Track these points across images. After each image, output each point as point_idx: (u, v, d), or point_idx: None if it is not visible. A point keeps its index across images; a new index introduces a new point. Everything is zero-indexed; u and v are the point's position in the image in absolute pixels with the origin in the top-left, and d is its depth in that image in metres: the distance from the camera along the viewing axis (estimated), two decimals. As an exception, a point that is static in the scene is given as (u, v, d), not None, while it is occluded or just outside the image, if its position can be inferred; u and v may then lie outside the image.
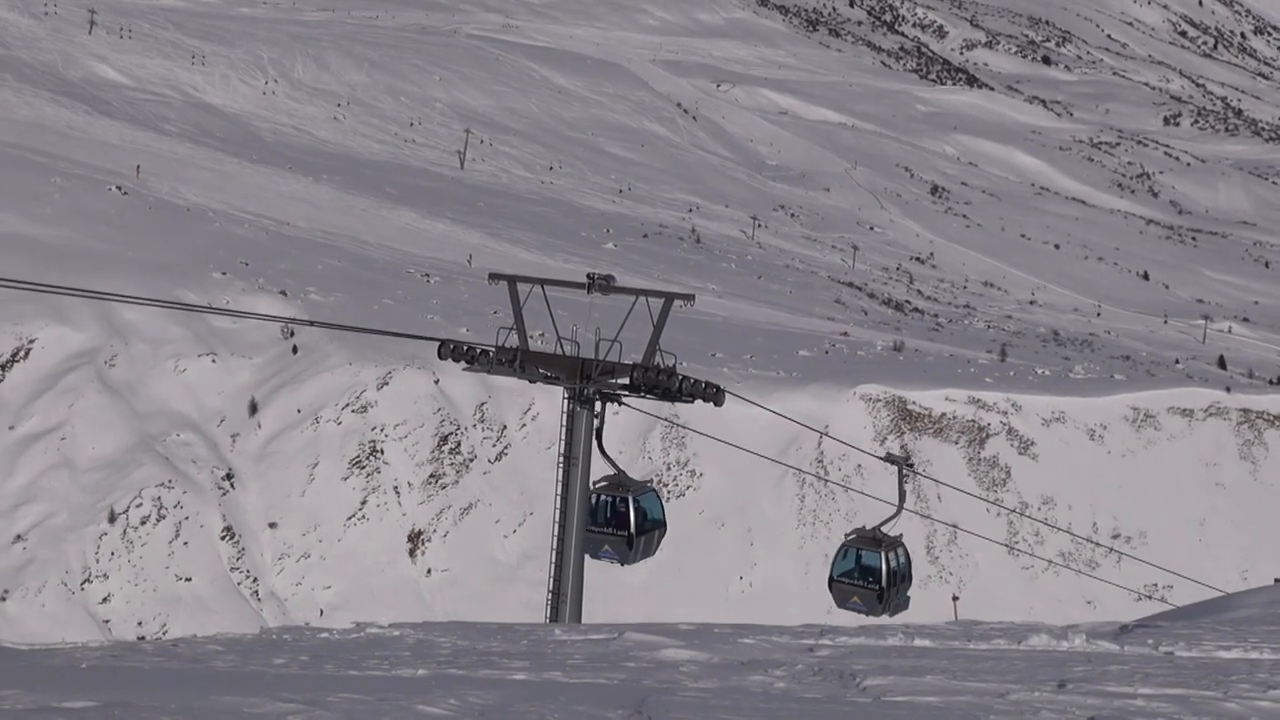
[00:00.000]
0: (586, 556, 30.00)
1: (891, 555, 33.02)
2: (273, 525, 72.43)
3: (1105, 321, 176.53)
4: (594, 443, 29.95)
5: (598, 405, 30.10)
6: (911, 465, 39.53)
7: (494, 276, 30.89)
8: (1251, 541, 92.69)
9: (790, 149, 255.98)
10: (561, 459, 29.62)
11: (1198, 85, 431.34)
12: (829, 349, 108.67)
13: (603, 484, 30.44)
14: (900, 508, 33.74)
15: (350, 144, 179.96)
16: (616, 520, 30.19)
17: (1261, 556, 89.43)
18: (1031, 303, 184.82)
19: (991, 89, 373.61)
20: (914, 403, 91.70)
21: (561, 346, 29.76)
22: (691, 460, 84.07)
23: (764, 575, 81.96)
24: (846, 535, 34.34)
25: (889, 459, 35.94)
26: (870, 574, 32.65)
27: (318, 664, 18.05)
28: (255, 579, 70.62)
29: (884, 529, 34.07)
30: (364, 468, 75.33)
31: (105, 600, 66.39)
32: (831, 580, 32.98)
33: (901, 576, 32.98)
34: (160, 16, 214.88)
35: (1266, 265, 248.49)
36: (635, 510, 30.13)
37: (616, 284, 29.83)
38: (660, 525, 31.18)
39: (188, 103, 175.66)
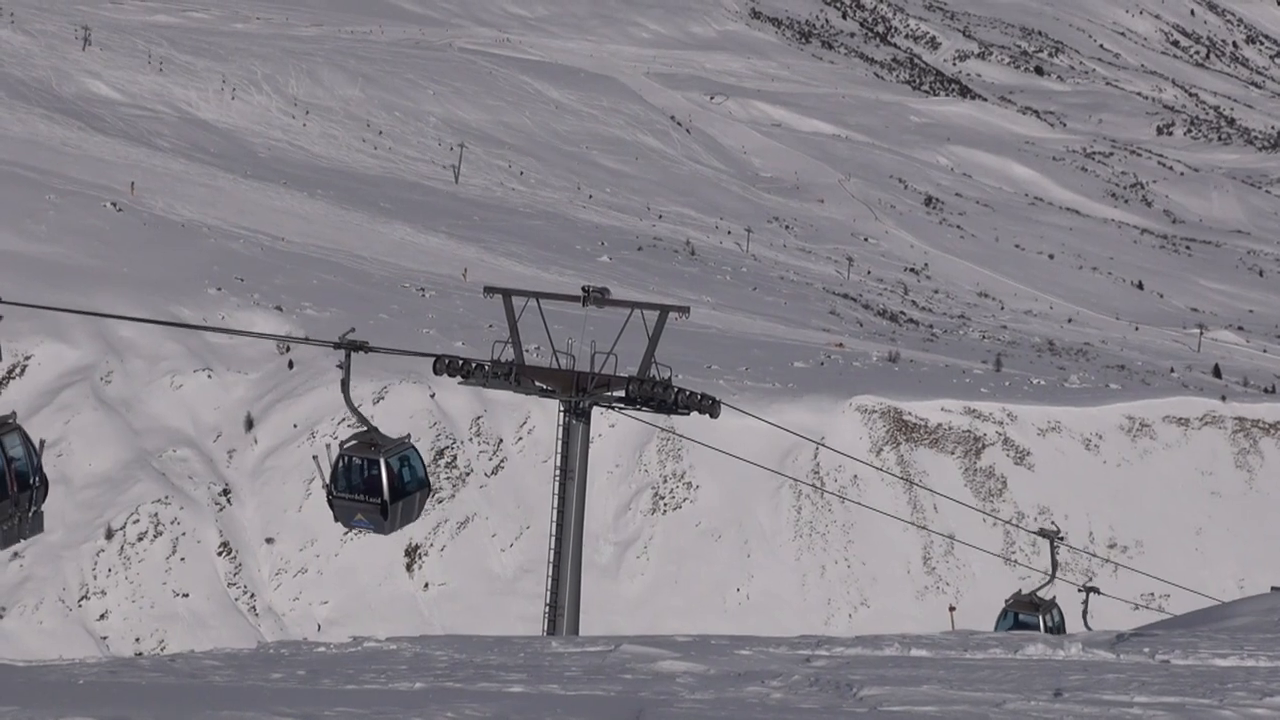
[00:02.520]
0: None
1: (1048, 617, 36.07)
2: (269, 540, 72.42)
3: (1100, 331, 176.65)
4: (344, 395, 27.04)
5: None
6: (1062, 538, 40.87)
7: (489, 290, 30.95)
8: (1248, 550, 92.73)
9: (784, 161, 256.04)
10: (558, 472, 29.61)
11: (1190, 95, 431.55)
12: (824, 360, 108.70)
13: (351, 444, 27.82)
14: (1053, 577, 36.90)
15: (344, 159, 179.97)
16: (368, 486, 27.26)
17: (1258, 565, 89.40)
18: (1027, 313, 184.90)
19: (985, 100, 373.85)
20: (910, 413, 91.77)
21: (557, 360, 29.80)
22: (688, 472, 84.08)
23: (761, 587, 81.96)
24: (1006, 601, 37.16)
25: (1041, 533, 38.70)
26: None
27: (315, 678, 18.08)
28: (252, 594, 70.61)
29: (1039, 594, 36.79)
30: (360, 482, 75.31)
31: (103, 617, 66.38)
32: None
33: (1058, 633, 35.24)
34: (153, 32, 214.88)
35: (1260, 274, 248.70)
36: (388, 473, 27.26)
37: (611, 297, 29.87)
38: (422, 486, 28.35)
39: (181, 118, 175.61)
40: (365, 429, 27.78)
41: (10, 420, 23.57)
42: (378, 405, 77.04)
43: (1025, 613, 37.10)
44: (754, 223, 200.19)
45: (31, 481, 23.26)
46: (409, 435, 27.65)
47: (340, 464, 27.30)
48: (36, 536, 24.40)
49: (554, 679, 17.72)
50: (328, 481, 27.30)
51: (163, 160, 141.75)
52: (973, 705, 15.50)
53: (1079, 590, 43.08)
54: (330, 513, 27.59)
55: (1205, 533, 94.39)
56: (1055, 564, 39.40)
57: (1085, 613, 43.03)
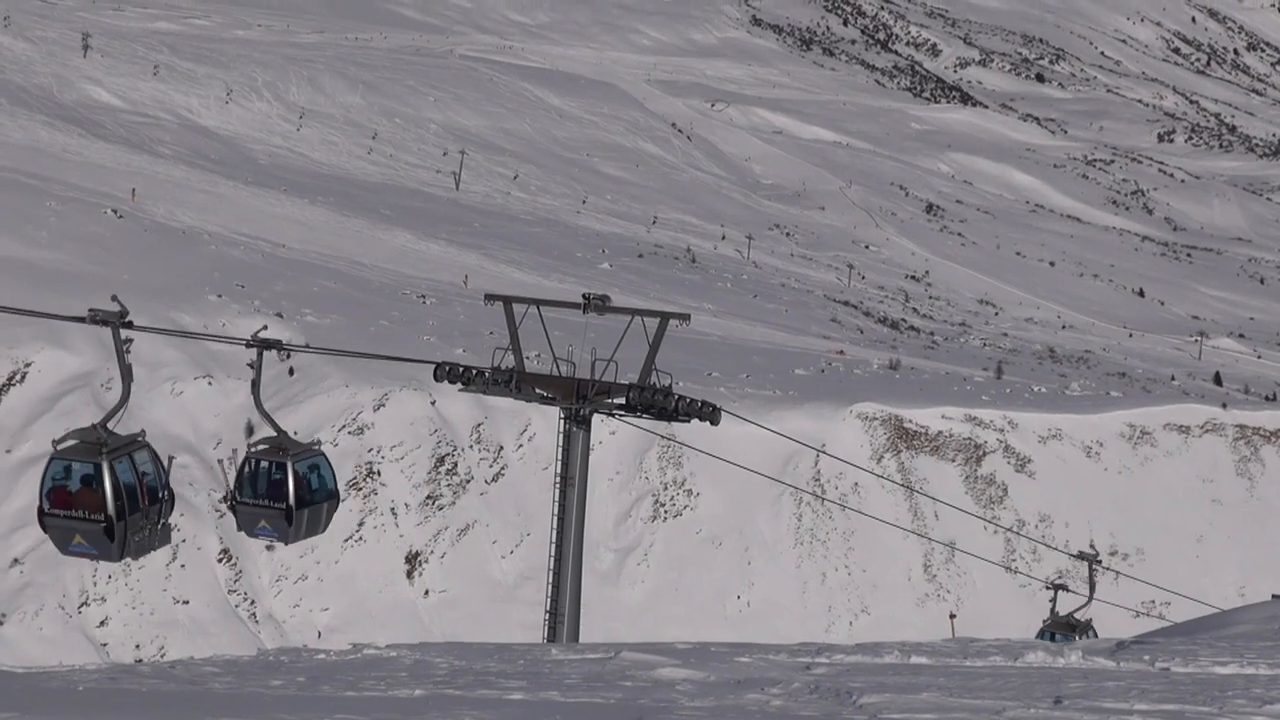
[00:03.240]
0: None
1: (1084, 638, 35.89)
2: (269, 547, 72.34)
3: (1100, 338, 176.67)
4: (255, 397, 25.72)
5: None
6: (1099, 561, 41.47)
7: (490, 297, 30.97)
8: (1249, 558, 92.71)
9: (785, 168, 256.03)
10: (558, 479, 29.59)
11: (1191, 102, 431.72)
12: (825, 368, 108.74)
13: (261, 447, 26.25)
14: (1090, 598, 37.43)
15: (345, 165, 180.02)
16: (272, 491, 25.74)
17: (1259, 573, 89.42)
18: (1027, 320, 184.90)
19: (985, 107, 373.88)
20: (910, 421, 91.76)
21: (558, 367, 29.78)
22: (689, 480, 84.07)
23: (761, 594, 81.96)
24: (1044, 621, 37.77)
25: (1081, 556, 39.42)
26: None
27: (315, 685, 18.09)
28: (253, 601, 70.59)
29: (1076, 615, 37.31)
30: (361, 489, 75.34)
31: (103, 623, 66.34)
32: None
33: None
34: (154, 39, 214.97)
35: (1262, 281, 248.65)
36: (295, 479, 25.71)
37: (612, 304, 29.87)
38: (330, 497, 26.59)
39: (182, 125, 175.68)
40: (275, 433, 26.06)
41: (140, 438, 24.16)
42: (378, 412, 77.09)
43: (1062, 633, 37.76)
44: (755, 230, 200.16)
45: (160, 495, 23.99)
46: (319, 442, 26.53)
47: (246, 468, 25.98)
48: (162, 547, 24.98)
49: (554, 686, 17.72)
50: (232, 487, 26.17)
51: (164, 167, 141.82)
52: (973, 713, 15.50)
53: (1046, 587, 43.38)
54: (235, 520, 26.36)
55: (1206, 540, 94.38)
56: (1093, 586, 40.32)
57: (1054, 610, 43.32)
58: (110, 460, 22.97)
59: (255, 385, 25.41)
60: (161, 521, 24.16)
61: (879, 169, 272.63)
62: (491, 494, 79.39)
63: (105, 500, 22.76)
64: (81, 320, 22.94)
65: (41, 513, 23.55)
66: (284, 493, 25.28)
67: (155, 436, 74.77)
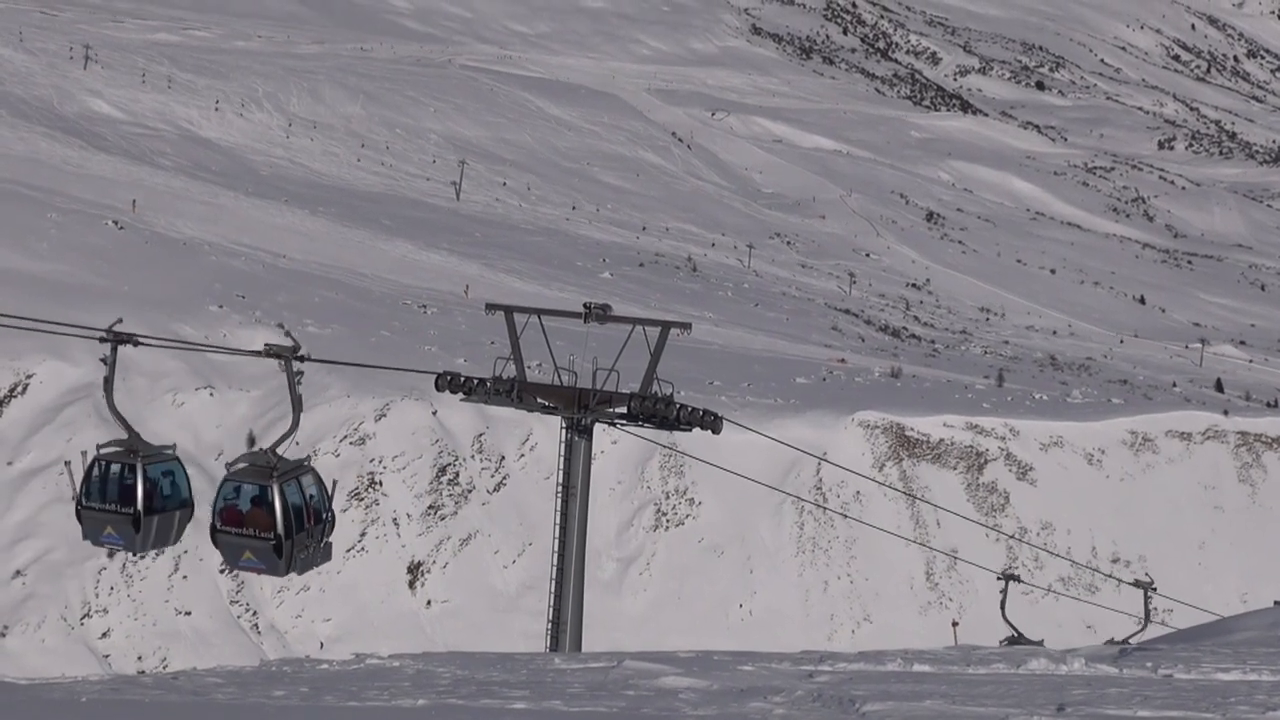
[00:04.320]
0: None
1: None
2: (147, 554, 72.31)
3: (1101, 345, 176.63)
4: (107, 395, 24.44)
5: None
6: (1155, 588, 41.94)
7: (491, 307, 30.95)
8: (1250, 564, 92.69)
9: (785, 176, 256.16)
10: (560, 489, 29.56)
11: (1192, 109, 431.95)
12: (826, 376, 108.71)
13: (111, 449, 24.78)
14: (1145, 625, 37.68)
15: (345, 176, 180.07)
16: (121, 495, 24.37)
17: (1261, 579, 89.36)
18: (1028, 328, 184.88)
19: (986, 115, 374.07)
20: (912, 429, 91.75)
21: (559, 376, 29.76)
22: (690, 488, 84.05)
23: (763, 603, 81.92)
24: (1105, 644, 38.34)
25: (1136, 584, 39.75)
26: None
27: (318, 695, 18.08)
28: (255, 612, 70.57)
29: (1131, 640, 37.46)
30: (363, 499, 75.33)
31: (105, 635, 66.32)
32: None
33: None
34: (155, 51, 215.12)
35: (1262, 288, 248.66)
36: (145, 481, 24.39)
37: (613, 313, 29.86)
38: (183, 505, 25.10)
39: (183, 137, 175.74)
40: (128, 435, 24.75)
41: (306, 464, 25.38)
42: (380, 422, 77.08)
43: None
44: (755, 239, 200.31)
45: (324, 516, 24.99)
46: (173, 446, 25.60)
47: (94, 471, 24.58)
48: (324, 563, 25.85)
49: (556, 695, 17.71)
50: (77, 491, 24.65)
51: (164, 178, 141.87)
52: (975, 720, 15.50)
53: (998, 579, 43.50)
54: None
55: (1208, 547, 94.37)
56: (1148, 613, 40.42)
57: (1004, 603, 43.44)
58: (280, 483, 24.33)
59: (108, 382, 24.36)
60: (324, 540, 25.18)
61: (879, 177, 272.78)
62: (493, 504, 79.37)
63: (275, 520, 24.07)
64: (259, 354, 24.94)
65: (214, 529, 24.55)
66: (132, 497, 24.17)
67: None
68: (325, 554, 25.35)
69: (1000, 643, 41.57)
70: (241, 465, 24.84)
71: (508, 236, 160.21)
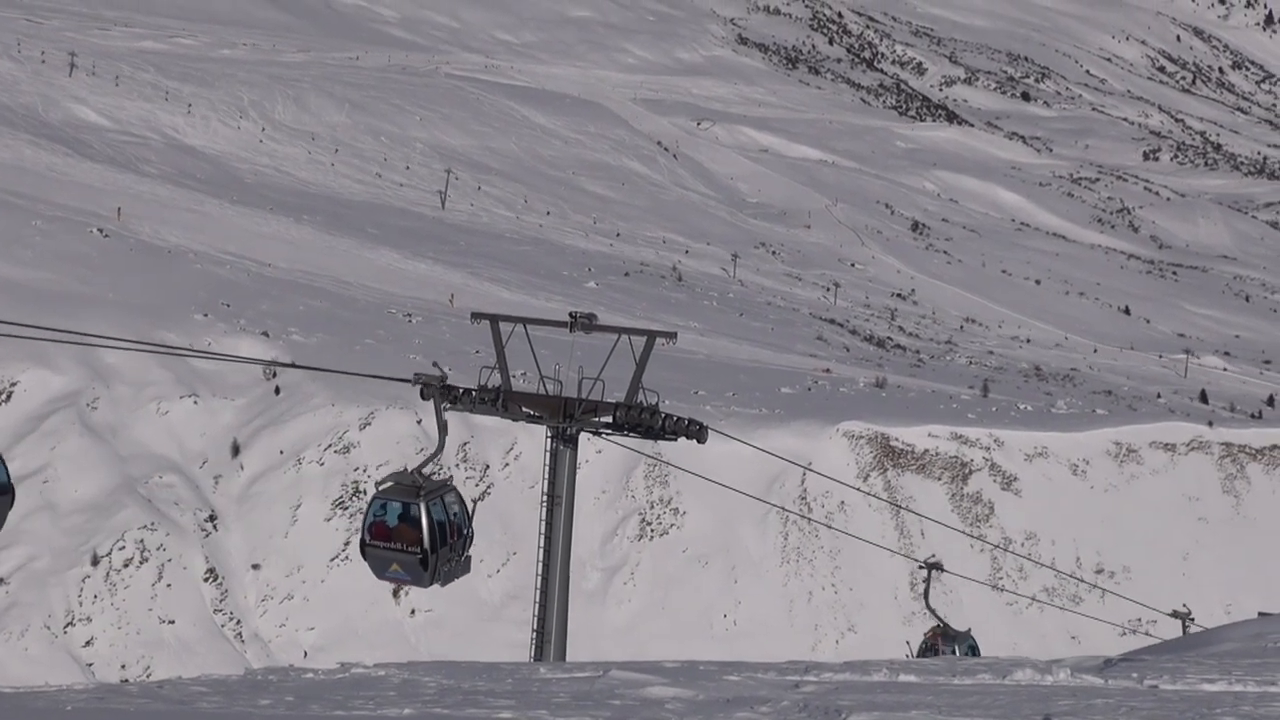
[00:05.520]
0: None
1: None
2: (256, 567, 72.29)
3: (1086, 356, 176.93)
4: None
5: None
6: (1192, 619, 42.61)
7: (476, 316, 30.91)
8: (1235, 575, 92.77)
9: (770, 186, 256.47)
10: (545, 498, 29.50)
11: (1177, 120, 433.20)
12: (811, 386, 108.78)
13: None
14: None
15: (331, 184, 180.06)
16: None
17: (1245, 590, 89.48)
18: (1013, 338, 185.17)
19: (971, 125, 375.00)
20: (897, 439, 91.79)
21: (544, 385, 29.71)
22: (675, 498, 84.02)
23: (748, 613, 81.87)
24: (925, 634, 38.40)
25: (1175, 615, 40.27)
26: None
27: (303, 704, 18.04)
28: (239, 621, 70.44)
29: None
30: (347, 508, 75.19)
31: (88, 643, 66.18)
32: None
33: None
34: (140, 59, 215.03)
35: (1247, 299, 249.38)
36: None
37: (598, 322, 29.83)
38: (4, 491, 21.71)
39: (168, 144, 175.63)
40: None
41: (449, 483, 27.18)
42: (364, 431, 77.00)
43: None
44: (741, 248, 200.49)
45: (465, 532, 26.89)
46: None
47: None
48: (463, 575, 27.95)
49: (542, 705, 17.68)
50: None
51: (149, 186, 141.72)
52: (962, 731, 15.49)
53: (920, 567, 43.41)
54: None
55: (1192, 558, 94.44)
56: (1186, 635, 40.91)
57: (927, 592, 43.46)
58: (426, 501, 26.08)
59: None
60: (465, 554, 27.12)
61: (865, 187, 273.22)
62: (478, 513, 79.12)
63: (422, 535, 25.85)
64: (407, 381, 26.91)
65: (364, 544, 26.49)
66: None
67: (140, 456, 74.65)
68: (465, 566, 27.42)
69: (925, 634, 41.64)
70: (389, 484, 26.51)
71: (493, 245, 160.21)
